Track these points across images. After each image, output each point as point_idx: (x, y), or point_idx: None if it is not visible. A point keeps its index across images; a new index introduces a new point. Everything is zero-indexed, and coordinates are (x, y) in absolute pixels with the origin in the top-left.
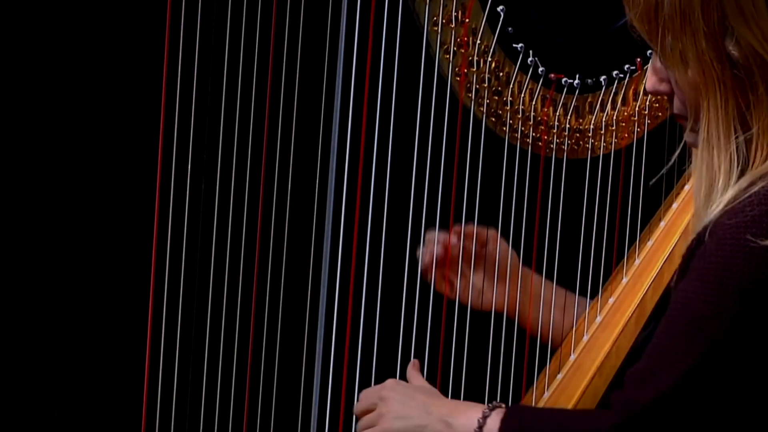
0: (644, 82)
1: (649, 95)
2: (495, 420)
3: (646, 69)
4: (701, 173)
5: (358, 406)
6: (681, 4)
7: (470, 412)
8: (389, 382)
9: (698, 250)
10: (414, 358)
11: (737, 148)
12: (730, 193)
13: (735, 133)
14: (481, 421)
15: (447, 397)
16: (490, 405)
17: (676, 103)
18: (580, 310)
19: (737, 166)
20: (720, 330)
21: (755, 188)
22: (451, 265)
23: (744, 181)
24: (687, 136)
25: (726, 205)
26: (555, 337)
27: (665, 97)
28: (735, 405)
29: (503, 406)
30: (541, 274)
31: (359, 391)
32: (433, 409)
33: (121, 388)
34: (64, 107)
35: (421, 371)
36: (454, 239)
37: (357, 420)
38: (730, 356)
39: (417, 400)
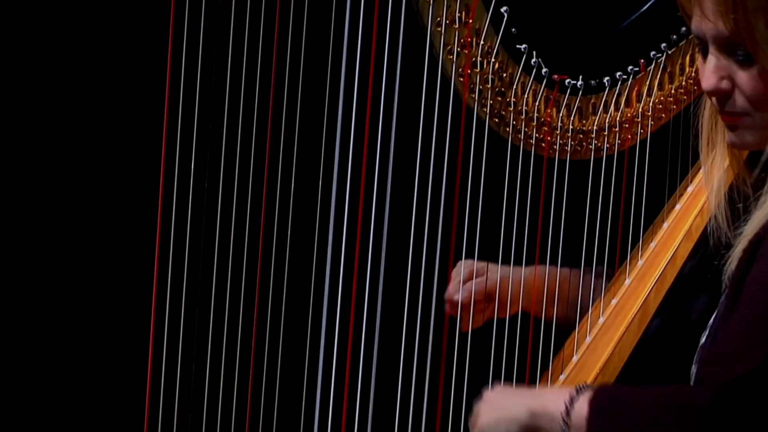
0: (646, 83)
1: (653, 97)
2: (586, 396)
3: (650, 71)
4: None
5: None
6: None
7: (561, 392)
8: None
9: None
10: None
11: None
12: None
13: None
14: (572, 396)
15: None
16: (580, 386)
17: (739, 100)
18: (596, 288)
19: None
20: None
21: None
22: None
23: None
24: (738, 136)
25: None
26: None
27: (670, 99)
28: None
29: (591, 388)
30: (544, 275)
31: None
32: (525, 393)
33: (123, 389)
34: (67, 108)
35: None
36: (465, 294)
37: None
38: None
39: (513, 393)
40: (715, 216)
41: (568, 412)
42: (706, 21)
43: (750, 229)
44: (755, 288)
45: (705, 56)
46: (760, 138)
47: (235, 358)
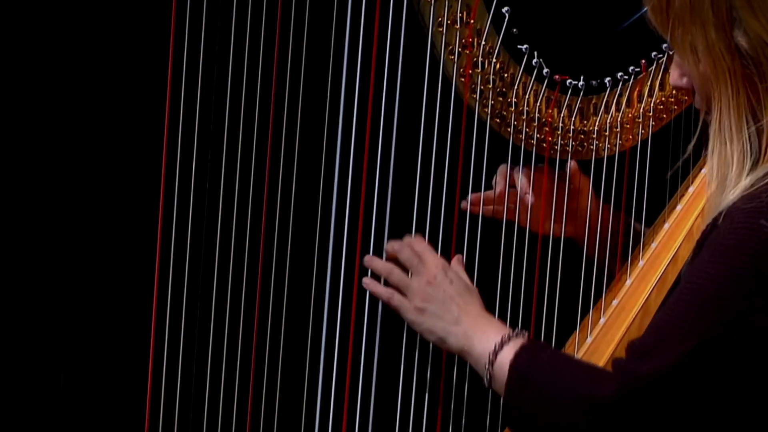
0: (647, 83)
1: (654, 97)
2: (510, 351)
3: (651, 71)
4: (713, 163)
5: (394, 246)
6: None
7: (491, 333)
8: (431, 258)
9: (712, 234)
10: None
11: (749, 138)
12: (747, 180)
13: (747, 123)
14: (498, 346)
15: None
16: (509, 333)
17: (696, 97)
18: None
19: (750, 156)
20: (730, 310)
21: None
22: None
23: (761, 170)
24: (710, 130)
25: (742, 192)
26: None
27: (671, 99)
28: (740, 384)
29: (525, 336)
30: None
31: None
32: (462, 319)
33: (124, 391)
34: (68, 109)
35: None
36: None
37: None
38: (738, 337)
39: (455, 304)
40: None
41: (491, 363)
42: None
43: (713, 211)
44: (684, 285)
45: None
46: None
47: (235, 358)
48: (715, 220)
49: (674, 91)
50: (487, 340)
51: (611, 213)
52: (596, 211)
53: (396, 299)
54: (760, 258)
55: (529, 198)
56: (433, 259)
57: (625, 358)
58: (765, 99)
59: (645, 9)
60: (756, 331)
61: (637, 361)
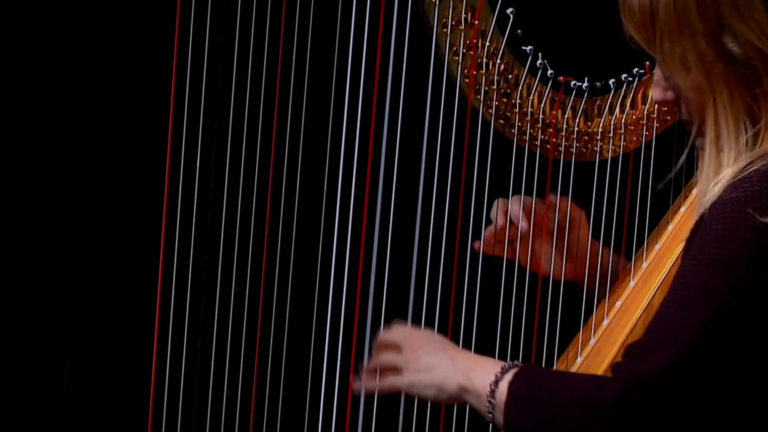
0: (651, 85)
1: None
2: (509, 377)
3: (655, 73)
4: (708, 171)
5: (381, 341)
6: (676, 7)
7: (489, 367)
8: (417, 332)
9: (699, 228)
10: None
11: (746, 142)
12: (728, 172)
13: (745, 128)
14: (498, 375)
15: None
16: (508, 364)
17: (683, 109)
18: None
19: None
20: (723, 300)
21: (755, 167)
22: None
23: (743, 161)
24: (698, 142)
25: (724, 185)
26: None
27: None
28: (738, 375)
29: (519, 366)
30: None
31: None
32: (457, 362)
33: (127, 391)
34: (73, 108)
35: None
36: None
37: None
38: (731, 327)
39: (444, 351)
40: None
41: (492, 393)
42: (633, 37)
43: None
44: (677, 281)
45: None
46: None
47: (239, 361)
48: (702, 215)
49: None
50: (487, 374)
51: (610, 254)
52: (596, 251)
53: (388, 379)
54: (749, 245)
55: (530, 231)
56: (409, 330)
57: (623, 361)
58: (763, 100)
59: None
60: (750, 320)
61: (635, 363)
